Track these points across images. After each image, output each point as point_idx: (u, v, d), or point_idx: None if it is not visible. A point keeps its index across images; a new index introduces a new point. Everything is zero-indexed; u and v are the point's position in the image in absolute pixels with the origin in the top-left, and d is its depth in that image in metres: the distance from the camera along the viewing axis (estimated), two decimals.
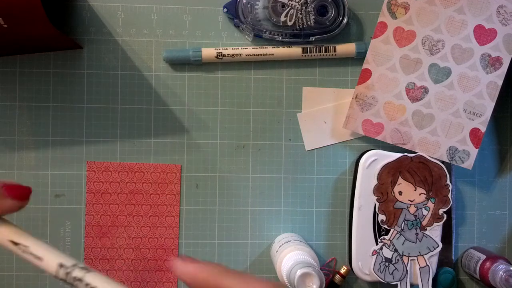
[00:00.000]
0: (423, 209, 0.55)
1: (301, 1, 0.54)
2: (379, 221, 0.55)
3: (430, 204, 0.55)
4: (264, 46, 0.56)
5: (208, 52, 0.55)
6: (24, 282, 0.56)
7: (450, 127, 0.56)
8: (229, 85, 0.57)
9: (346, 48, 0.56)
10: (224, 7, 0.55)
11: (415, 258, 0.55)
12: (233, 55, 0.55)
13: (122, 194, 0.56)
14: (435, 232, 0.55)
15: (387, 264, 0.54)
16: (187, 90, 0.57)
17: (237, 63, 0.57)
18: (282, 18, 0.54)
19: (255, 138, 0.57)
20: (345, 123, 0.56)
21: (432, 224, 0.55)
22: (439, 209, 0.55)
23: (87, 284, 0.27)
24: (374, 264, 0.54)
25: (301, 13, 0.54)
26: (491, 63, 0.55)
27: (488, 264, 0.54)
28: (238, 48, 0.56)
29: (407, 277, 0.54)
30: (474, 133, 0.56)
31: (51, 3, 0.54)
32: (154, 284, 0.56)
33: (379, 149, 0.56)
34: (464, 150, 0.56)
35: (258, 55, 0.56)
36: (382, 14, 0.56)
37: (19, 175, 0.56)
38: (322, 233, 0.58)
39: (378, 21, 0.56)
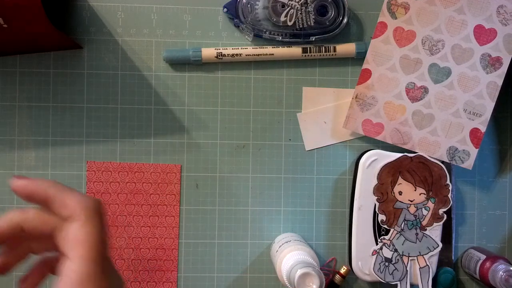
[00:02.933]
0: (423, 209, 0.55)
1: (301, 1, 0.54)
2: (379, 221, 0.55)
3: (430, 204, 0.55)
4: (264, 46, 0.56)
5: (208, 52, 0.55)
6: None
7: (450, 127, 0.56)
8: (229, 85, 0.57)
9: (346, 48, 0.56)
10: (224, 7, 0.55)
11: (415, 258, 0.55)
12: (233, 55, 0.55)
13: (122, 194, 0.56)
14: (435, 232, 0.55)
15: (387, 264, 0.54)
16: (187, 90, 0.57)
17: (237, 63, 0.57)
18: (282, 18, 0.54)
19: (255, 138, 0.57)
20: (345, 123, 0.56)
21: (432, 224, 0.55)
22: (439, 209, 0.55)
23: None
24: (374, 264, 0.54)
25: (301, 13, 0.54)
26: (491, 63, 0.55)
27: (488, 264, 0.54)
28: (238, 48, 0.56)
29: (407, 277, 0.54)
30: (474, 133, 0.56)
31: (51, 3, 0.54)
32: (154, 284, 0.56)
33: (379, 149, 0.56)
34: (464, 150, 0.56)
35: (258, 55, 0.56)
36: (382, 14, 0.56)
37: (19, 175, 0.56)
38: (322, 233, 0.58)
39: (378, 21, 0.56)
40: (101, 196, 0.56)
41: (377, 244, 0.55)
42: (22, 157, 0.56)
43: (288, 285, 0.47)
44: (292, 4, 0.54)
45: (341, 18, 0.55)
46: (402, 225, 0.55)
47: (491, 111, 0.56)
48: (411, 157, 0.54)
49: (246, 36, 0.56)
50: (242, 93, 0.57)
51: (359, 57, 0.57)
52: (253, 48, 0.56)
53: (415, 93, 0.56)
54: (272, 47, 0.56)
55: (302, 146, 0.58)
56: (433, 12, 0.55)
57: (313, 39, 0.55)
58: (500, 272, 0.52)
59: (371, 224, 0.55)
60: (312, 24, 0.55)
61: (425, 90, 0.56)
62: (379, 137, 0.56)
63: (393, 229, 0.55)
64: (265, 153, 0.57)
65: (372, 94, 0.56)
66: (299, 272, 0.45)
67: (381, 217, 0.55)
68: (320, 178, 0.58)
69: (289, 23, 0.54)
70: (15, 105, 0.56)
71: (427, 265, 0.55)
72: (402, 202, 0.55)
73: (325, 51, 0.56)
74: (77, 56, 0.56)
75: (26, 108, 0.56)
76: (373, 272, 0.54)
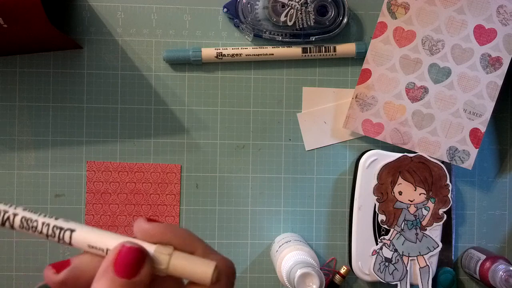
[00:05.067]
0: (423, 209, 0.55)
1: (301, 1, 0.54)
2: (379, 221, 0.55)
3: (430, 204, 0.55)
4: (264, 46, 0.56)
5: (208, 52, 0.55)
6: (24, 282, 0.56)
7: (450, 127, 0.56)
8: (229, 85, 0.57)
9: (346, 48, 0.56)
10: (224, 7, 0.55)
11: (415, 258, 0.55)
12: (233, 55, 0.55)
13: (122, 194, 0.56)
14: (435, 232, 0.55)
15: (387, 264, 0.54)
16: (187, 90, 0.57)
17: (237, 63, 0.57)
18: (282, 18, 0.54)
19: (255, 138, 0.57)
20: (345, 123, 0.56)
21: (432, 224, 0.55)
22: (439, 209, 0.55)
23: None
24: (374, 264, 0.54)
25: (301, 13, 0.54)
26: (491, 63, 0.55)
27: (488, 264, 0.54)
28: (238, 48, 0.56)
29: (407, 277, 0.54)
30: (474, 133, 0.56)
31: (51, 3, 0.54)
32: None
33: (379, 149, 0.56)
34: (464, 150, 0.56)
35: (258, 55, 0.56)
36: (382, 14, 0.56)
37: (19, 175, 0.56)
38: (322, 233, 0.58)
39: (378, 21, 0.56)
40: (101, 196, 0.56)
41: (377, 244, 0.55)
42: (22, 157, 0.56)
43: (288, 285, 0.47)
44: (292, 4, 0.54)
45: (341, 18, 0.55)
46: (402, 225, 0.55)
47: (491, 111, 0.56)
48: (411, 157, 0.54)
49: (246, 36, 0.56)
50: (242, 93, 0.57)
51: (359, 57, 0.57)
52: (253, 48, 0.56)
53: (415, 93, 0.56)
54: (272, 47, 0.56)
55: (302, 146, 0.58)
56: (433, 12, 0.55)
57: (313, 39, 0.55)
58: (500, 272, 0.52)
59: (371, 224, 0.55)
60: (312, 24, 0.55)
61: (425, 90, 0.56)
62: (379, 137, 0.56)
63: (393, 229, 0.55)
64: (265, 153, 0.57)
65: (372, 94, 0.56)
66: (299, 272, 0.45)
67: (381, 217, 0.55)
68: (320, 178, 0.58)
69: (289, 23, 0.54)
70: (15, 105, 0.56)
71: (427, 265, 0.55)
72: (402, 202, 0.55)
73: (325, 51, 0.56)
74: (77, 56, 0.56)
75: (26, 108, 0.56)
76: (373, 272, 0.54)
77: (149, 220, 0.26)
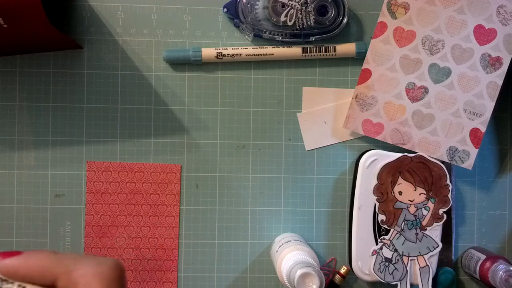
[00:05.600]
0: (423, 209, 0.55)
1: (301, 1, 0.54)
2: (379, 221, 0.55)
3: (430, 204, 0.55)
4: (264, 46, 0.56)
5: (208, 52, 0.55)
6: None
7: (450, 127, 0.56)
8: (229, 85, 0.57)
9: (346, 48, 0.56)
10: (224, 7, 0.55)
11: (415, 258, 0.55)
12: (233, 55, 0.55)
13: (122, 194, 0.56)
14: (435, 232, 0.55)
15: (387, 264, 0.54)
16: (187, 90, 0.57)
17: (237, 63, 0.57)
18: (282, 18, 0.54)
19: (255, 138, 0.57)
20: (345, 123, 0.56)
21: (432, 224, 0.55)
22: (439, 209, 0.55)
23: None
24: (374, 264, 0.54)
25: (301, 13, 0.54)
26: (491, 63, 0.55)
27: (488, 264, 0.54)
28: (238, 48, 0.56)
29: (407, 277, 0.54)
30: (474, 133, 0.56)
31: (51, 3, 0.54)
32: (154, 284, 0.56)
33: (379, 149, 0.56)
34: (464, 150, 0.56)
35: (258, 55, 0.56)
36: (382, 14, 0.56)
37: (19, 175, 0.56)
38: (322, 233, 0.58)
39: (378, 21, 0.56)
40: (101, 196, 0.56)
41: (377, 244, 0.55)
42: (22, 157, 0.56)
43: (288, 285, 0.47)
44: (292, 4, 0.54)
45: (341, 18, 0.55)
46: (402, 225, 0.55)
47: (491, 111, 0.56)
48: (411, 157, 0.54)
49: (246, 36, 0.56)
50: (242, 93, 0.57)
51: (359, 57, 0.57)
52: (253, 48, 0.56)
53: (415, 93, 0.56)
54: (272, 47, 0.56)
55: (302, 146, 0.58)
56: (433, 12, 0.55)
57: (313, 39, 0.55)
58: (500, 272, 0.52)
59: (371, 224, 0.55)
60: (312, 24, 0.55)
61: (425, 90, 0.56)
62: (379, 137, 0.56)
63: (393, 229, 0.55)
64: (265, 153, 0.57)
65: (372, 94, 0.56)
66: (299, 272, 0.45)
67: (381, 217, 0.55)
68: (320, 178, 0.58)
69: (289, 23, 0.54)
70: (15, 105, 0.56)
71: (427, 265, 0.55)
72: (402, 202, 0.55)
73: (325, 51, 0.56)
74: (77, 56, 0.56)
75: (26, 108, 0.56)
76: (373, 272, 0.54)
77: (4, 255, 0.25)
